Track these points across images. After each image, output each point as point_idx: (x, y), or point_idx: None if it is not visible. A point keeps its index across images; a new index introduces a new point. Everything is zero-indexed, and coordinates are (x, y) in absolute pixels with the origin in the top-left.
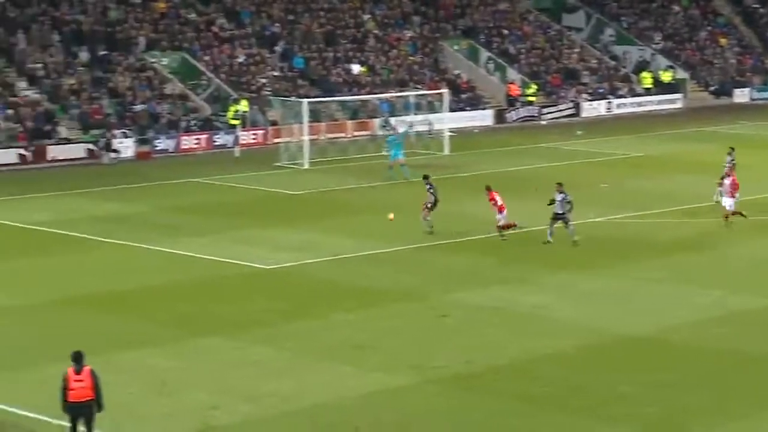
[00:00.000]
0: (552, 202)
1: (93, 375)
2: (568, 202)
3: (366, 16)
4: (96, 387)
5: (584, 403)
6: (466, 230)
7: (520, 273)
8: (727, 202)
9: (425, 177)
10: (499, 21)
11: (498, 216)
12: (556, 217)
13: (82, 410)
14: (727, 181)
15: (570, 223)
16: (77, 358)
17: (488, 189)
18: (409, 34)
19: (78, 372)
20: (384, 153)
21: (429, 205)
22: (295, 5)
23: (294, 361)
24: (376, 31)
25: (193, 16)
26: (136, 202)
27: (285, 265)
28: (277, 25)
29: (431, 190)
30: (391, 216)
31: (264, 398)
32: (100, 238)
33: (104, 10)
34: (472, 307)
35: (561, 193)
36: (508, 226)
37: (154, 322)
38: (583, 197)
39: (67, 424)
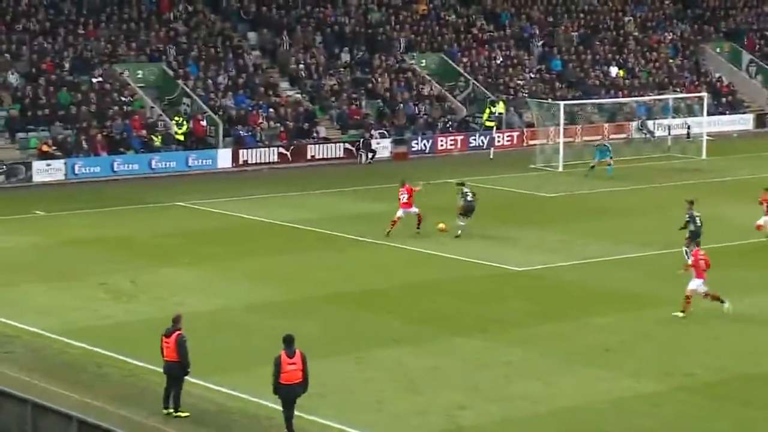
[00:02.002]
0: None
1: (303, 358)
2: None
3: (627, 18)
4: (305, 370)
5: None
6: (722, 236)
7: None
8: None
9: (460, 183)
10: (764, 23)
11: (399, 212)
12: None
13: (293, 391)
14: None
15: None
16: (289, 342)
17: (403, 183)
18: (669, 36)
19: (291, 356)
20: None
21: (460, 211)
22: (554, 7)
23: (544, 363)
24: (636, 33)
25: (452, 17)
26: (391, 201)
27: (537, 267)
28: (536, 26)
29: (465, 197)
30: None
31: (513, 400)
32: (355, 237)
33: (366, 11)
34: (727, 314)
35: None
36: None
37: (406, 321)
38: None
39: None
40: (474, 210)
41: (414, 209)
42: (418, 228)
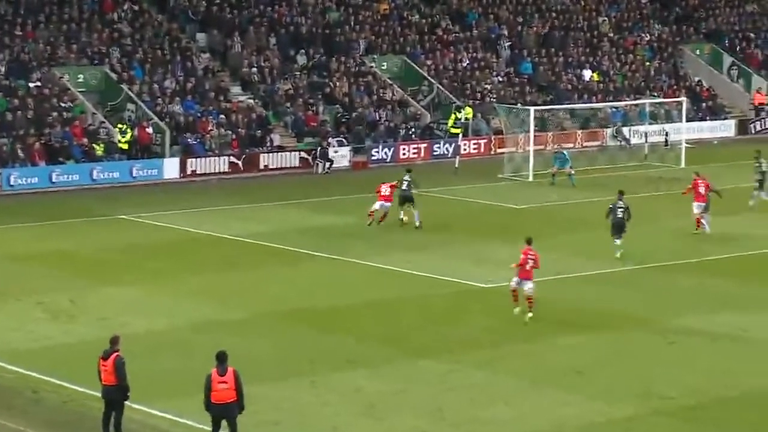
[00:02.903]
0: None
1: (236, 376)
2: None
3: (601, 18)
4: (239, 389)
5: None
6: (698, 249)
7: (756, 297)
8: None
9: (408, 170)
10: (746, 24)
11: (376, 205)
12: None
13: (225, 411)
14: None
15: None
16: (221, 359)
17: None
18: (646, 37)
19: (222, 374)
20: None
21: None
22: (524, 6)
23: (512, 386)
24: (610, 34)
25: (415, 17)
26: (350, 214)
27: (504, 283)
28: (505, 27)
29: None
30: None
31: (479, 425)
32: (310, 251)
33: (323, 11)
34: (703, 333)
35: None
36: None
37: (365, 341)
38: None
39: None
40: (410, 200)
41: (389, 204)
42: (377, 222)
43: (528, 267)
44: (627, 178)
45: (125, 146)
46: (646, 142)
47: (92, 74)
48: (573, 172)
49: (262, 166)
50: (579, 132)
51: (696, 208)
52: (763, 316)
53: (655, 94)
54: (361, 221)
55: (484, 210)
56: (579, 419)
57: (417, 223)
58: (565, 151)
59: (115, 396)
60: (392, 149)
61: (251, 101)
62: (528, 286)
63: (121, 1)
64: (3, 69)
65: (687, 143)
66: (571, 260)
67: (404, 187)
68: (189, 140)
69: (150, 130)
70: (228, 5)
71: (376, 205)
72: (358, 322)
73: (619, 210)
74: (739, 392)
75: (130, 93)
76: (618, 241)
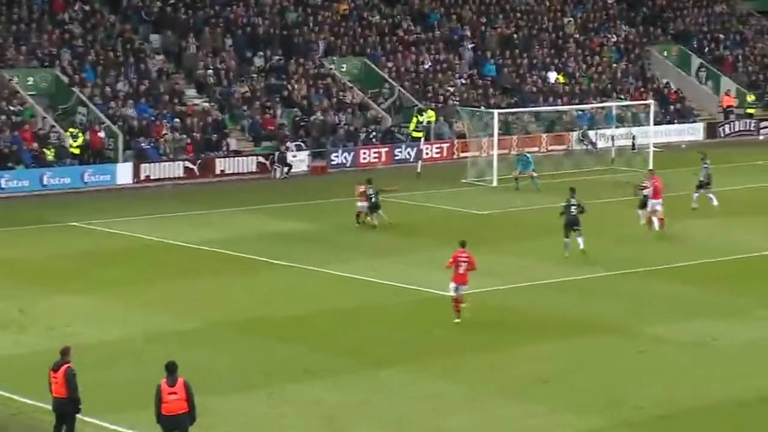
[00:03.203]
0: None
1: (187, 387)
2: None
3: (566, 19)
4: (190, 399)
5: None
6: (665, 255)
7: (730, 304)
8: None
9: (369, 180)
10: (715, 24)
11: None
12: None
13: (176, 423)
14: None
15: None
16: (171, 369)
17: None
18: (613, 38)
19: (171, 384)
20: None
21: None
22: (487, 6)
23: (476, 396)
24: (576, 35)
25: (376, 18)
26: (310, 220)
27: (467, 291)
28: (467, 28)
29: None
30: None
31: None
32: (269, 260)
33: (281, 11)
34: (672, 341)
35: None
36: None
37: (324, 351)
38: None
39: None
40: (378, 207)
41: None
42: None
43: (461, 270)
44: (593, 182)
45: (77, 151)
46: (613, 145)
47: (42, 77)
48: (536, 174)
49: (218, 172)
50: (544, 136)
51: (658, 206)
52: (731, 324)
53: (622, 96)
54: (320, 227)
55: (447, 216)
56: (544, 430)
57: (388, 222)
58: (527, 154)
59: (66, 409)
60: (352, 154)
61: (207, 104)
62: (462, 290)
63: (72, 1)
64: None
65: (654, 147)
66: (537, 267)
67: (372, 199)
68: (143, 145)
69: (102, 134)
70: (183, 5)
71: (361, 206)
72: (317, 332)
73: (573, 207)
74: (709, 402)
75: (81, 96)
76: (568, 240)
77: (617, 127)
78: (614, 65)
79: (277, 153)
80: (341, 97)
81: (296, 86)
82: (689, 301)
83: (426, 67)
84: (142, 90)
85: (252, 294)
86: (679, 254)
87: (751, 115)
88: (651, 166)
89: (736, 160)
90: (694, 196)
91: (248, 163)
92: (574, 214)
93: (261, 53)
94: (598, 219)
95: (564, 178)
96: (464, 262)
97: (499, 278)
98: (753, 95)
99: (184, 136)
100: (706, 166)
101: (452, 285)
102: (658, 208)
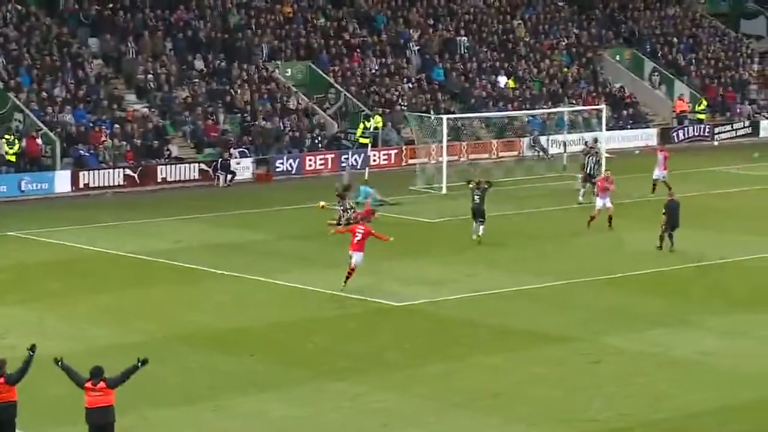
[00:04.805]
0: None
1: (108, 381)
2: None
3: (516, 22)
4: (113, 385)
5: None
6: (618, 264)
7: (684, 313)
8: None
9: (341, 194)
10: (668, 28)
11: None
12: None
13: (104, 417)
14: None
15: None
16: (96, 375)
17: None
18: (564, 42)
19: (95, 385)
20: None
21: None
22: (435, 9)
23: (426, 409)
24: (526, 39)
25: (321, 21)
26: (254, 229)
27: (417, 301)
28: (415, 31)
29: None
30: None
31: None
32: (212, 269)
33: (223, 14)
34: (627, 352)
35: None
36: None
37: (270, 364)
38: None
39: None
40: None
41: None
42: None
43: (356, 240)
44: (546, 190)
45: (13, 158)
46: (565, 152)
47: None
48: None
49: (159, 179)
50: (495, 142)
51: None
52: (686, 334)
53: (574, 101)
54: (266, 236)
55: (394, 224)
56: None
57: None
58: (363, 185)
59: (5, 415)
60: (297, 160)
61: (147, 110)
62: (356, 258)
63: (5, 3)
64: None
65: (607, 153)
66: (487, 275)
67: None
68: (81, 152)
69: (39, 141)
70: (122, 8)
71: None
72: (264, 344)
73: (476, 197)
74: (666, 414)
75: (17, 101)
76: (477, 225)
77: (569, 132)
78: (565, 69)
79: (220, 160)
80: (285, 103)
81: (239, 91)
82: (643, 310)
83: (372, 71)
84: (80, 95)
85: (197, 305)
86: (632, 263)
87: (702, 121)
88: (604, 173)
89: (688, 166)
90: (582, 190)
91: (191, 171)
92: (478, 203)
93: (202, 57)
94: (550, 227)
95: (515, 185)
96: (359, 233)
97: (449, 287)
98: (705, 101)
99: (124, 142)
100: (595, 154)
101: (350, 253)
102: (609, 204)
